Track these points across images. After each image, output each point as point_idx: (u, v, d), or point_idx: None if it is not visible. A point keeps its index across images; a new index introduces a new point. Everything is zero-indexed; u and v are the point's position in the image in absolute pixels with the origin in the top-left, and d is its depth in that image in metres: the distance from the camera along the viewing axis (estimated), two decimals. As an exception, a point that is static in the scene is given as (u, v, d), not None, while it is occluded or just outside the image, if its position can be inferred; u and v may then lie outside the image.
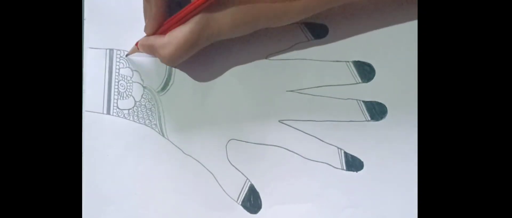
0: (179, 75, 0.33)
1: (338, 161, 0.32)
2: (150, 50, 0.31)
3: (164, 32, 0.30)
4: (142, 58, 0.34)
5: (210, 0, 0.27)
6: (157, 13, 0.29)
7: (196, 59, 0.31)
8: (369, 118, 0.32)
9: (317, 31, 0.33)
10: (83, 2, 0.33)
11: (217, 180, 0.33)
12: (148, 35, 0.31)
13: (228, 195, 0.32)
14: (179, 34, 0.29)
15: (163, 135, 0.33)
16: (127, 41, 0.33)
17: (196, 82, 0.33)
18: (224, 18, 0.28)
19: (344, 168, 0.32)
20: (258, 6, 0.28)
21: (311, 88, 0.33)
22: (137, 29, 0.34)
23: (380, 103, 0.33)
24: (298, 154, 0.33)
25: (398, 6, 0.33)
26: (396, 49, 0.33)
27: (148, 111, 0.33)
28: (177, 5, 0.30)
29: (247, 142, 0.33)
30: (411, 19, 0.33)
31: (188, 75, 0.33)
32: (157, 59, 0.33)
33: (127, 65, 0.34)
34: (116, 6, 0.34)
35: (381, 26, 0.33)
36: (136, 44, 0.32)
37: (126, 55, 0.33)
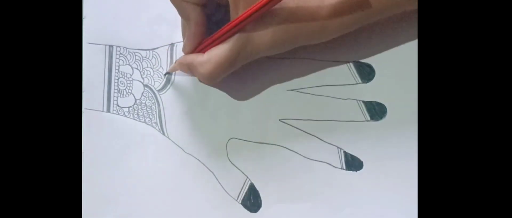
0: (179, 73, 0.33)
1: (338, 160, 0.32)
2: (189, 68, 0.30)
3: (202, 51, 0.30)
4: (144, 54, 0.33)
5: (249, 19, 0.27)
6: (196, 32, 0.29)
7: (235, 77, 0.31)
8: (369, 118, 0.33)
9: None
10: (82, -1, 0.33)
11: (217, 179, 0.33)
12: (186, 54, 0.31)
13: (228, 194, 0.32)
14: (218, 52, 0.28)
15: (163, 134, 0.33)
16: (127, 37, 0.33)
17: (197, 80, 0.33)
18: (264, 36, 0.28)
19: (344, 167, 0.32)
20: (297, 24, 0.28)
21: (311, 87, 0.33)
22: (137, 25, 0.33)
23: (380, 103, 0.33)
24: (298, 154, 0.33)
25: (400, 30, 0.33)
26: (396, 49, 0.33)
27: (148, 109, 0.33)
28: (215, 24, 0.30)
29: (248, 141, 0.33)
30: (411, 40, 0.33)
31: (228, 94, 0.33)
32: (159, 58, 0.33)
33: (127, 62, 0.33)
34: (116, 2, 0.34)
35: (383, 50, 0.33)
36: (176, 62, 0.32)
37: (166, 73, 0.33)
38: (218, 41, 0.29)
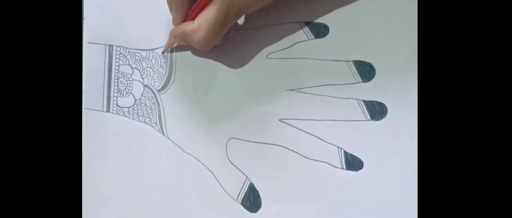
0: (179, 73, 0.33)
1: (338, 160, 0.32)
2: (183, 38, 0.30)
3: (192, 19, 0.30)
4: (143, 53, 0.33)
5: None
6: (182, 1, 0.30)
7: (229, 45, 0.31)
8: (369, 118, 0.33)
9: (318, 30, 0.33)
10: (82, -1, 0.33)
11: (217, 179, 0.33)
12: (176, 25, 0.31)
13: (228, 194, 0.32)
14: (207, 15, 0.28)
15: (163, 134, 0.33)
16: (127, 37, 0.33)
17: (197, 80, 0.33)
18: None
19: (344, 167, 0.32)
20: None
21: (311, 87, 0.33)
22: (137, 25, 0.34)
23: (380, 103, 0.33)
24: (298, 153, 0.33)
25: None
26: (396, 49, 0.33)
27: (148, 109, 0.33)
28: None
29: (247, 141, 0.33)
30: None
31: (226, 65, 0.33)
32: (159, 58, 0.33)
33: (127, 62, 0.33)
34: (116, 2, 0.34)
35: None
36: (170, 36, 0.32)
37: (163, 52, 0.33)
38: (205, 5, 0.29)
